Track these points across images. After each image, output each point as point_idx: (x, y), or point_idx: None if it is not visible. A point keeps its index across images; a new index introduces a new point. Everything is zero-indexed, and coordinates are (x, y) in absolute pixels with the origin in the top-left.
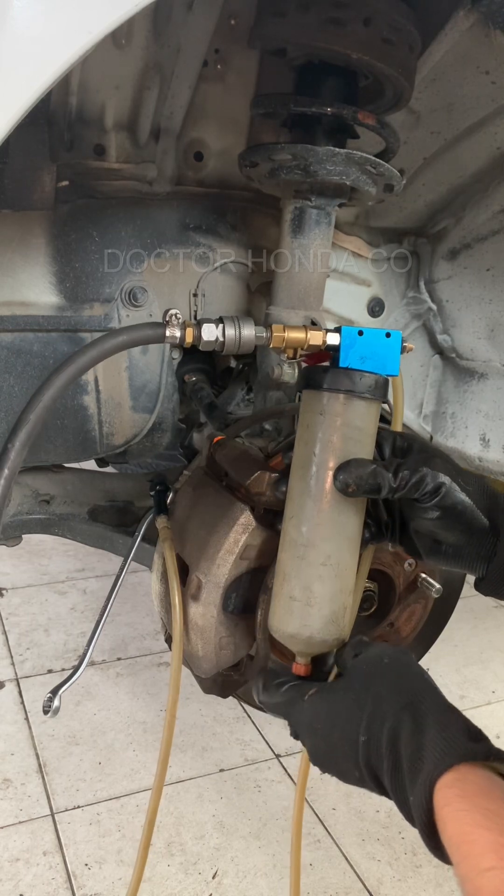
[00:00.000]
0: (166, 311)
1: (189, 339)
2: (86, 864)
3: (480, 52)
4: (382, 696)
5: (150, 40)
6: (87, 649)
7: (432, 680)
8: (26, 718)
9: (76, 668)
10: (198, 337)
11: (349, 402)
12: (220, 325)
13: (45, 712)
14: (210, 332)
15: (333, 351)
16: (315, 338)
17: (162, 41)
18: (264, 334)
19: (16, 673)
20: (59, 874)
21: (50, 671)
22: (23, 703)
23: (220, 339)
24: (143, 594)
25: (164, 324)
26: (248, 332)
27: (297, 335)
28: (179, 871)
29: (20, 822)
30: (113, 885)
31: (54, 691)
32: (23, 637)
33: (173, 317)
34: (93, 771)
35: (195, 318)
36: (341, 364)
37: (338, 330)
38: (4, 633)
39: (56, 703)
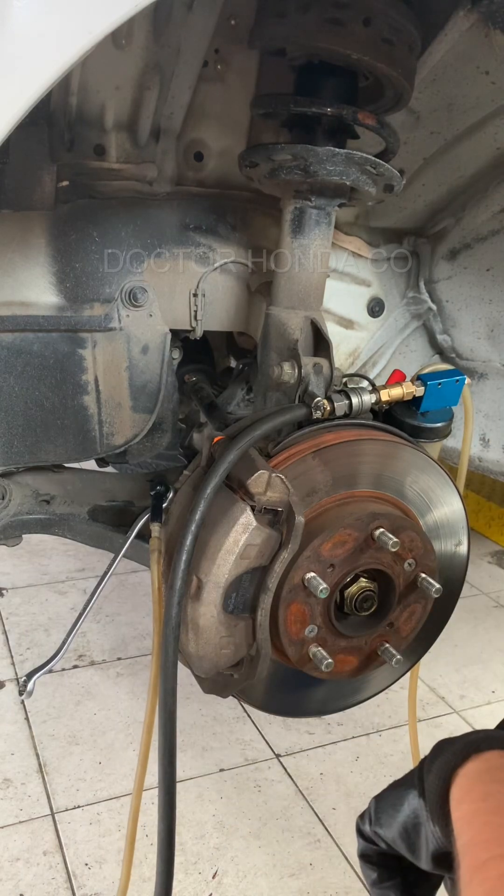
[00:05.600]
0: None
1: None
2: (86, 864)
3: (480, 52)
4: None
5: (150, 40)
6: (68, 638)
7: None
8: (26, 718)
9: (55, 655)
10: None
11: None
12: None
13: (20, 694)
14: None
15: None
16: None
17: (162, 41)
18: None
19: (16, 673)
20: (60, 874)
21: (50, 671)
22: (23, 703)
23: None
24: (143, 594)
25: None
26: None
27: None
28: (179, 870)
29: (20, 822)
30: (113, 884)
31: (29, 675)
32: (23, 637)
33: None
34: (93, 771)
35: (195, 318)
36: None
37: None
38: (4, 633)
39: (30, 686)
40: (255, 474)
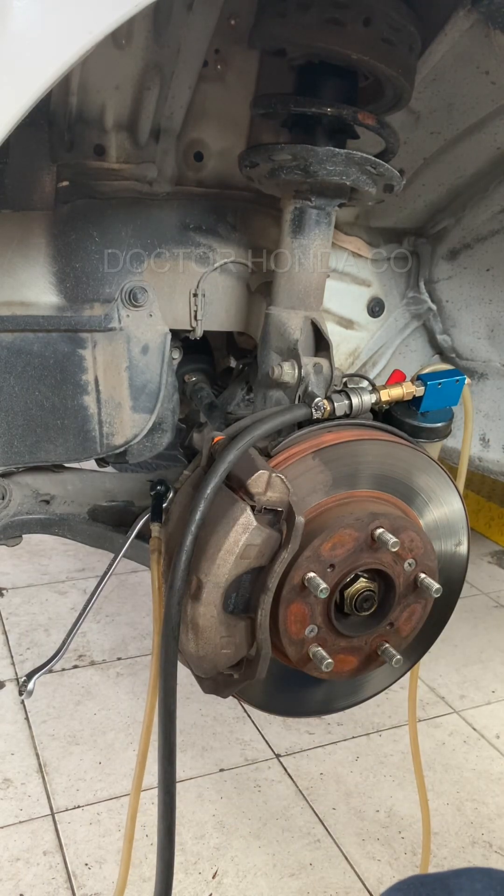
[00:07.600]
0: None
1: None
2: (86, 864)
3: (480, 52)
4: None
5: (150, 40)
6: (68, 638)
7: None
8: (26, 718)
9: (55, 655)
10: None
11: None
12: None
13: (21, 694)
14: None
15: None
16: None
17: (162, 41)
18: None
19: (16, 673)
20: (60, 874)
21: (50, 671)
22: (23, 702)
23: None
24: (143, 594)
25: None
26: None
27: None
28: (179, 870)
29: (20, 822)
30: (113, 884)
31: (29, 675)
32: (23, 637)
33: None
34: (93, 770)
35: (195, 318)
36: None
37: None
38: (4, 633)
39: (31, 686)
40: (255, 474)
